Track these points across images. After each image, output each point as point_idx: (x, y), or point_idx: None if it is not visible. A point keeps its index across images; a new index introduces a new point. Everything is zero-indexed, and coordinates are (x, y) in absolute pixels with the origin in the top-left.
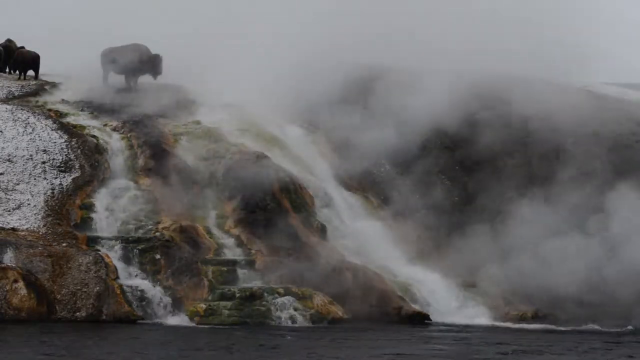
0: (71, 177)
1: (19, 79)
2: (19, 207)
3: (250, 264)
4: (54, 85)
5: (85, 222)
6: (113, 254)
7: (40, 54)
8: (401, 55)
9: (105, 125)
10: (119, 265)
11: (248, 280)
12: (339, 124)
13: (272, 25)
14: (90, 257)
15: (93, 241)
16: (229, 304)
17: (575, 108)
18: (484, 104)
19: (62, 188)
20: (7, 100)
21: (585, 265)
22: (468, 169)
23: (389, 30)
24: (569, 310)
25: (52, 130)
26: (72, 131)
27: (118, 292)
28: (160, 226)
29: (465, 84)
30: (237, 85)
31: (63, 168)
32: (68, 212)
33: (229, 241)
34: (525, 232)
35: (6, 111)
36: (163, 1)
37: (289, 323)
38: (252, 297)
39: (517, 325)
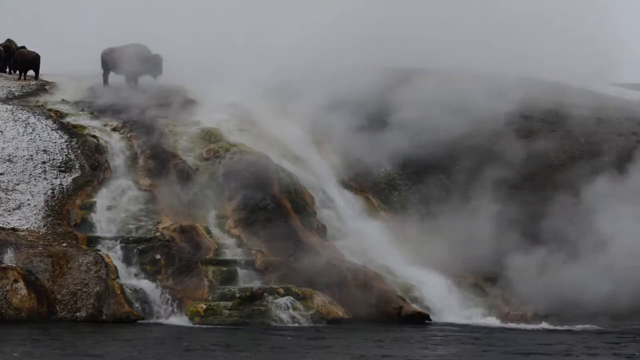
0: (71, 177)
1: (19, 79)
2: (19, 207)
3: (250, 264)
4: (54, 85)
5: (86, 222)
6: (113, 254)
7: (40, 54)
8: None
9: (106, 125)
10: (119, 265)
11: (248, 280)
12: (346, 126)
13: (274, 25)
14: (91, 257)
15: (93, 241)
16: (229, 304)
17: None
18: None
19: (63, 188)
20: (7, 100)
21: (586, 265)
22: (467, 167)
23: (399, 31)
24: (569, 310)
25: (52, 130)
26: (72, 131)
27: (118, 292)
28: (161, 226)
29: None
30: (238, 86)
31: (63, 168)
32: (68, 212)
33: (229, 241)
34: (526, 232)
35: (6, 111)
36: (164, 1)
37: (289, 323)
38: (252, 297)
39: (517, 325)
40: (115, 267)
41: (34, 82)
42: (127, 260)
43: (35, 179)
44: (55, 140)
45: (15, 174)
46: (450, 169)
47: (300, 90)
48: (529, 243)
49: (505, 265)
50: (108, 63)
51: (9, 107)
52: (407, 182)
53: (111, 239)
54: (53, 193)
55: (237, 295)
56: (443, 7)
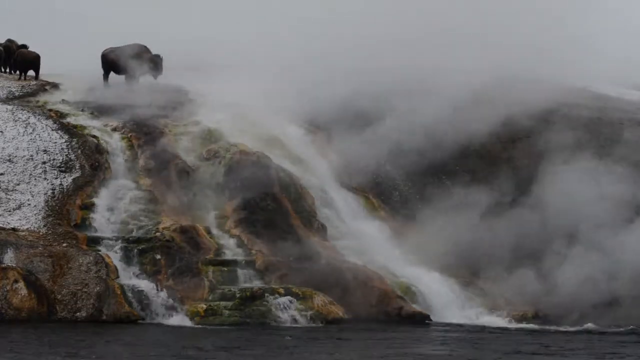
0: (71, 177)
1: (20, 79)
2: (19, 208)
3: (250, 264)
4: (54, 85)
5: (86, 222)
6: (113, 254)
7: (40, 54)
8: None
9: (106, 125)
10: (120, 265)
11: (248, 280)
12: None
13: (272, 25)
14: (91, 257)
15: (93, 241)
16: (229, 304)
17: None
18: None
19: (63, 188)
20: (7, 100)
21: (586, 265)
22: (468, 167)
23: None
24: (569, 310)
25: (52, 130)
26: (72, 131)
27: (118, 292)
28: (161, 226)
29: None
30: (238, 86)
31: (63, 168)
32: (68, 212)
33: (230, 241)
34: (527, 232)
35: (6, 111)
36: (165, 1)
37: (289, 323)
38: (252, 297)
39: (517, 325)
40: (116, 267)
41: (34, 82)
42: (127, 260)
43: (35, 179)
44: (55, 141)
45: (15, 174)
46: (450, 169)
47: (300, 90)
48: (530, 243)
49: (505, 265)
50: (108, 63)
51: (9, 107)
52: (407, 182)
53: (111, 239)
54: (53, 193)
55: (238, 295)
56: (450, 6)
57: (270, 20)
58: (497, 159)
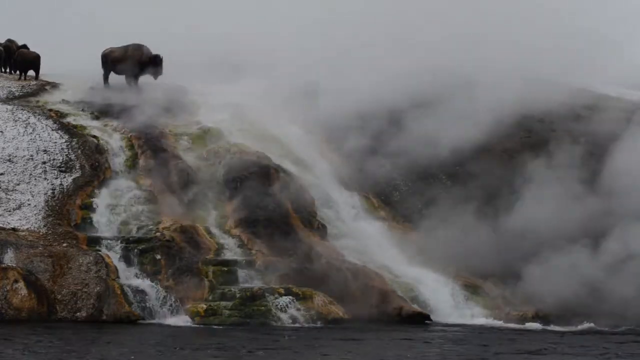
0: (72, 177)
1: (20, 79)
2: (19, 207)
3: (250, 264)
4: (54, 85)
5: (86, 222)
6: (113, 254)
7: (40, 54)
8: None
9: (106, 125)
10: (120, 265)
11: (248, 280)
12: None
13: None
14: (91, 257)
15: (93, 241)
16: (229, 304)
17: None
18: None
19: (63, 188)
20: (7, 100)
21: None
22: (467, 168)
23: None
24: (569, 310)
25: (52, 130)
26: (72, 131)
27: (118, 292)
28: (161, 226)
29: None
30: (239, 86)
31: (63, 168)
32: (68, 212)
33: (230, 241)
34: (527, 232)
35: (7, 111)
36: (165, 1)
37: (290, 323)
38: (252, 297)
39: (517, 326)
40: (116, 267)
41: (34, 82)
42: (127, 260)
43: (35, 179)
44: (55, 141)
45: (15, 174)
46: (450, 170)
47: (300, 90)
48: (530, 243)
49: (505, 265)
50: (108, 63)
51: (9, 107)
52: (407, 182)
53: (111, 239)
54: (53, 193)
55: (238, 295)
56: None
57: (270, 20)
58: (499, 158)
